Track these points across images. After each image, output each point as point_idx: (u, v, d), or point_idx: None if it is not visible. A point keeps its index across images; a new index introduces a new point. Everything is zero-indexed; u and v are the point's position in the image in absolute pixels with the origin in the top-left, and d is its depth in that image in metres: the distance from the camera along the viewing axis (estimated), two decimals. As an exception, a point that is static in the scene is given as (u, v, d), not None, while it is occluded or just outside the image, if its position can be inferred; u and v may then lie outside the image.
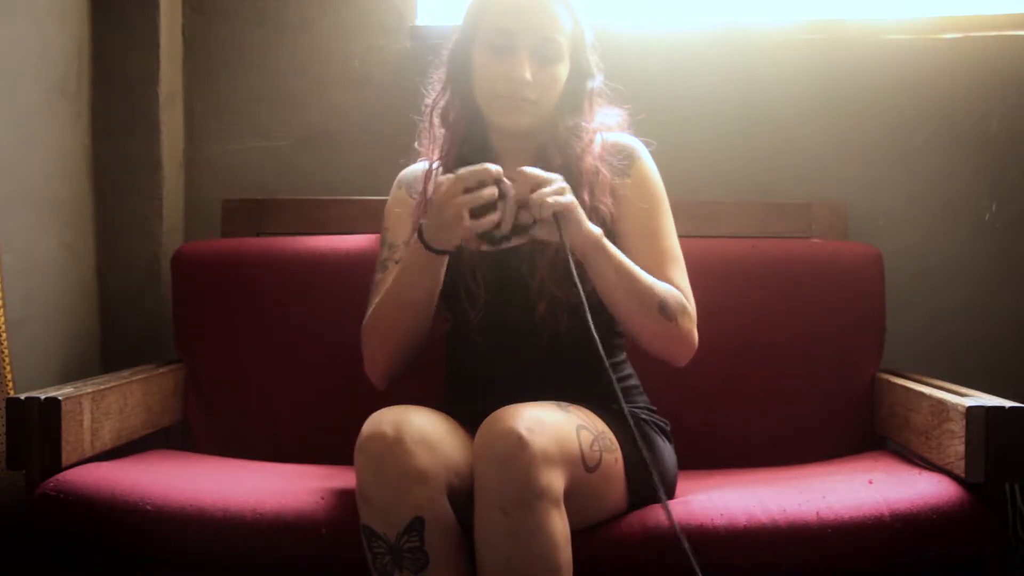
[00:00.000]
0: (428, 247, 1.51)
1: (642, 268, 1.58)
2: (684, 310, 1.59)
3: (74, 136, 2.13)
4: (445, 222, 1.46)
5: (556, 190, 1.46)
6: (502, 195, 1.45)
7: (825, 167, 2.21)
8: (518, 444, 1.33)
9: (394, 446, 1.37)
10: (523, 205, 1.45)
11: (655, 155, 1.71)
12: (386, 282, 1.66)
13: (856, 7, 2.25)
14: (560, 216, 1.45)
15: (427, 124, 1.72)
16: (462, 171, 1.46)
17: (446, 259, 1.56)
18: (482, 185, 1.44)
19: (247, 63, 2.29)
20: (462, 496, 1.43)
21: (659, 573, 1.46)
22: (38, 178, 2.01)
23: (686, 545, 1.33)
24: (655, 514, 1.50)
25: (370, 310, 1.67)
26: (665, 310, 1.55)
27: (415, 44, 2.24)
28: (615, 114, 1.70)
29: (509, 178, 1.46)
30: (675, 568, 1.45)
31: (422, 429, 1.41)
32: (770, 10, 2.26)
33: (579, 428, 1.44)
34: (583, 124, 1.65)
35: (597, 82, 1.68)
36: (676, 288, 1.61)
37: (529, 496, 1.33)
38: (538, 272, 1.58)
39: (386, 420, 1.40)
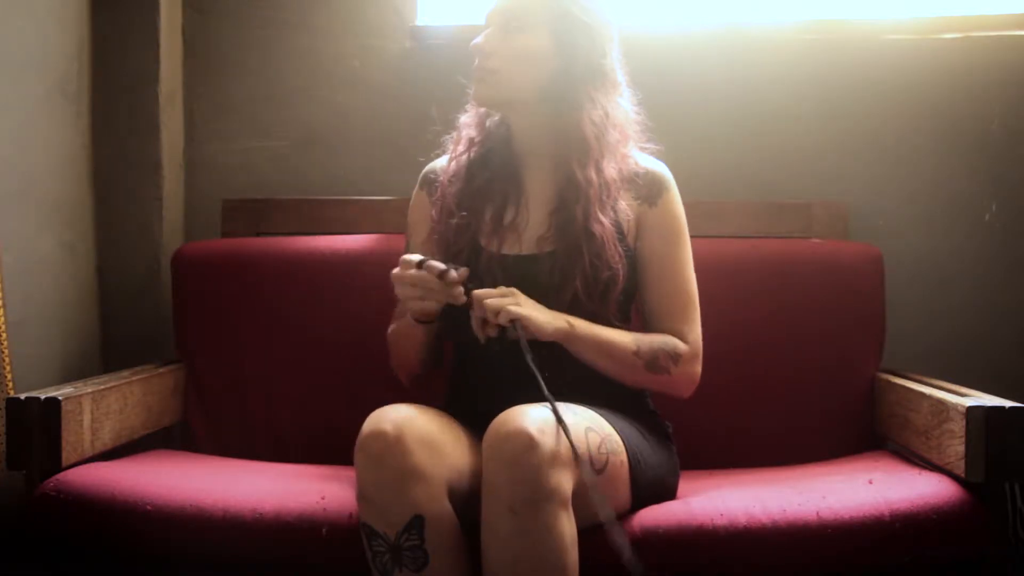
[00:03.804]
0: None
1: (657, 306, 1.64)
2: (675, 357, 1.61)
3: (74, 136, 2.13)
4: (400, 292, 1.53)
5: (510, 302, 1.49)
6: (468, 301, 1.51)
7: (825, 167, 2.21)
8: (528, 445, 1.33)
9: (394, 445, 1.37)
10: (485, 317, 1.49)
11: (654, 155, 1.72)
12: None
13: (856, 7, 2.25)
14: (517, 322, 1.47)
15: (458, 133, 1.74)
16: (428, 264, 1.50)
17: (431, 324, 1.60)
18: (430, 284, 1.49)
19: (247, 63, 2.29)
20: (462, 495, 1.43)
21: (659, 573, 1.45)
22: (38, 178, 2.01)
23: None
24: (656, 514, 1.50)
25: (393, 323, 1.72)
26: (654, 366, 1.59)
27: (415, 44, 2.24)
28: (635, 117, 1.68)
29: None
30: (675, 568, 1.46)
31: (422, 428, 1.41)
32: (770, 10, 2.26)
33: (587, 430, 1.44)
34: (606, 128, 1.62)
35: (598, 69, 1.63)
36: (675, 334, 1.62)
37: (539, 497, 1.33)
38: (556, 277, 1.59)
39: (387, 419, 1.40)
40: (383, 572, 1.38)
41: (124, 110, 2.19)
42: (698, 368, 1.64)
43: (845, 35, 2.21)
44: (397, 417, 1.41)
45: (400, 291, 1.52)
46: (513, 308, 1.48)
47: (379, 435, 1.38)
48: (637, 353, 1.58)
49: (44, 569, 1.56)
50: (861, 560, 1.48)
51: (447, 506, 1.40)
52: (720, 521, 1.47)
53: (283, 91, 2.28)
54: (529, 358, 1.44)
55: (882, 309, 2.00)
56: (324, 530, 1.49)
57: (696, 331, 1.65)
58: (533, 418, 1.36)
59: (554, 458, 1.34)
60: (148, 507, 1.52)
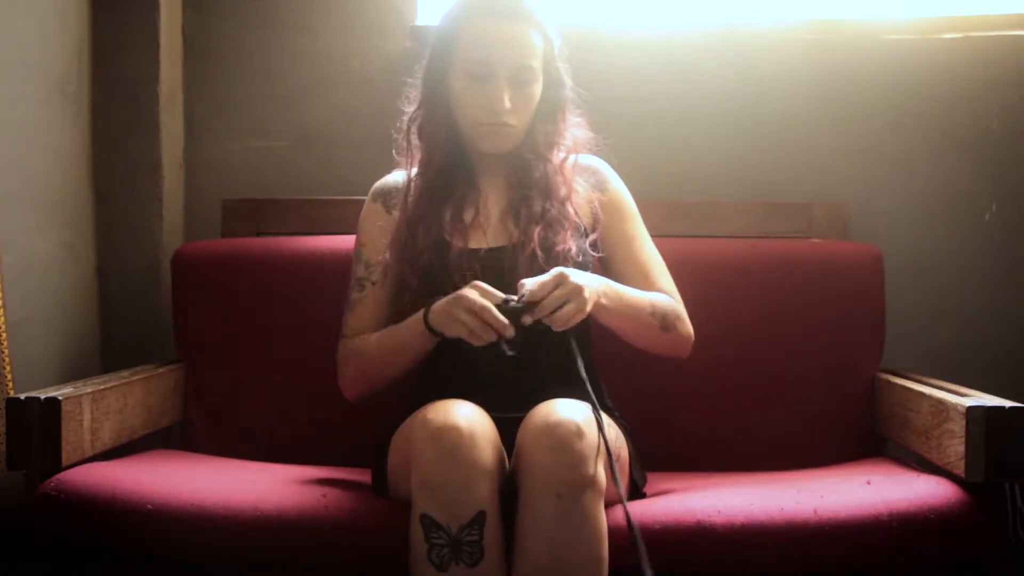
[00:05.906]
0: (431, 330, 1.57)
1: (631, 278, 1.71)
2: (678, 315, 1.71)
3: (74, 136, 2.13)
4: (455, 319, 1.51)
5: (574, 310, 1.50)
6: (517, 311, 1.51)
7: (825, 167, 2.21)
8: (577, 433, 1.39)
9: (468, 440, 1.40)
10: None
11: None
12: (364, 304, 1.73)
13: (856, 7, 2.25)
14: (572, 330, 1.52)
15: (405, 137, 1.76)
16: (496, 301, 1.50)
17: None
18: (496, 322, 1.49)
19: (247, 63, 2.29)
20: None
21: (656, 569, 1.45)
22: (38, 178, 2.01)
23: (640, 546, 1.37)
24: (653, 510, 1.51)
25: (349, 339, 1.72)
26: (665, 324, 1.68)
27: (415, 44, 2.24)
28: (581, 124, 1.75)
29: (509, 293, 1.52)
30: (672, 564, 1.46)
31: (488, 426, 1.45)
32: (770, 10, 2.26)
33: (608, 424, 1.49)
34: (558, 134, 1.72)
35: (567, 91, 1.73)
36: (665, 294, 1.71)
37: (584, 484, 1.38)
38: (519, 269, 1.62)
39: (458, 414, 1.42)
40: (438, 565, 1.39)
41: (124, 110, 2.19)
42: (689, 324, 1.72)
43: (845, 35, 2.21)
44: (468, 414, 1.43)
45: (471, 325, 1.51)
46: (579, 316, 1.51)
47: (454, 429, 1.40)
48: (653, 313, 1.66)
49: (45, 569, 1.56)
50: (860, 560, 1.48)
51: (499, 504, 1.43)
52: (717, 518, 1.47)
53: (283, 91, 2.28)
54: (580, 365, 1.50)
55: (882, 309, 2.00)
56: (327, 528, 1.49)
57: (677, 292, 1.74)
58: (575, 410, 1.42)
59: (593, 448, 1.40)
60: (149, 507, 1.52)
